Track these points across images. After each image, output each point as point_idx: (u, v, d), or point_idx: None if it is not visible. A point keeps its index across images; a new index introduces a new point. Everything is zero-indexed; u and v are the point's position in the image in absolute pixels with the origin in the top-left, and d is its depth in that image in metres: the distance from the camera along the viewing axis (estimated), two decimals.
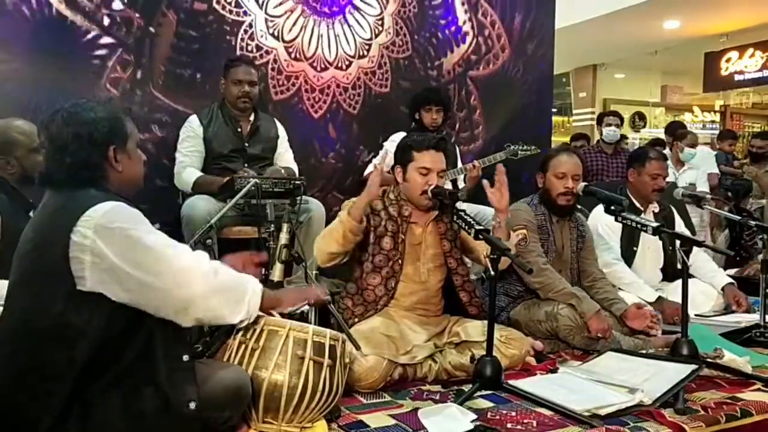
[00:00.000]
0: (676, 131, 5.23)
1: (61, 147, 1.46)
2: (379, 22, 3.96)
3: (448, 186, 3.35)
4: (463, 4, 4.25)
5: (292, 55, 3.68)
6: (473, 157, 3.90)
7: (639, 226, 2.54)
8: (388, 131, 3.71)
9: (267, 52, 3.61)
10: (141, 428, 1.42)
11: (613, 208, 2.60)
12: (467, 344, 2.32)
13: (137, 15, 3.24)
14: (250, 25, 3.55)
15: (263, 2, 3.58)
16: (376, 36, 3.95)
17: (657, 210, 3.26)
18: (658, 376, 2.12)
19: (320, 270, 2.48)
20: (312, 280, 2.13)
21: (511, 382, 2.09)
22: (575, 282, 2.83)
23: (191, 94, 3.39)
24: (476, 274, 3.04)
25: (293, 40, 3.68)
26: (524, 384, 2.11)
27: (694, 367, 2.14)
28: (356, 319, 2.36)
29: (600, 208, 2.93)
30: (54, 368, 1.39)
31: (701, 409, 1.96)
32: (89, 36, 3.14)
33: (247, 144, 3.17)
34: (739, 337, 2.72)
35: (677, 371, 2.12)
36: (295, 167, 3.32)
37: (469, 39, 4.29)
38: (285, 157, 3.31)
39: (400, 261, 2.41)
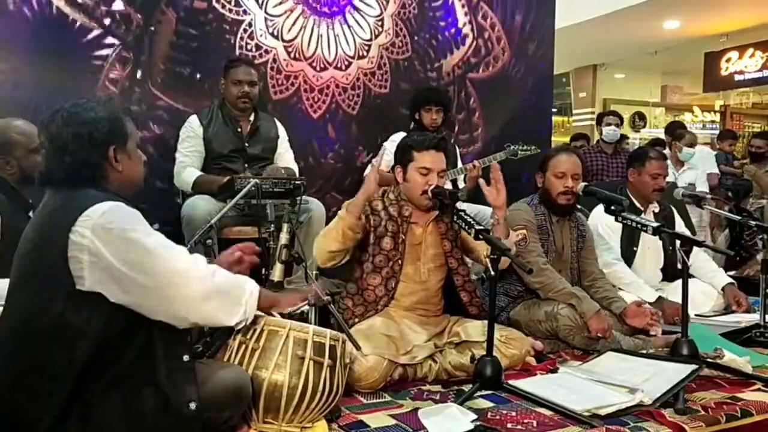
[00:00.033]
0: (675, 131, 5.23)
1: (61, 147, 1.47)
2: (379, 23, 3.96)
3: (448, 186, 3.35)
4: (463, 6, 4.26)
5: (292, 55, 3.68)
6: (473, 158, 3.90)
7: (639, 226, 2.54)
8: (387, 132, 3.70)
9: (266, 52, 3.61)
10: (141, 428, 1.42)
11: (613, 208, 2.61)
12: (467, 344, 2.32)
13: (137, 13, 3.24)
14: (250, 24, 3.55)
15: (263, 1, 3.59)
16: (376, 37, 3.95)
17: (657, 210, 3.26)
18: (658, 376, 2.12)
19: (320, 270, 2.48)
20: (312, 280, 2.12)
21: (511, 382, 2.09)
22: (575, 282, 2.83)
23: (190, 92, 3.39)
24: (476, 274, 3.04)
25: (293, 39, 3.68)
26: (524, 384, 2.11)
27: (694, 367, 2.14)
28: (356, 319, 2.37)
29: (600, 208, 2.93)
30: (54, 368, 1.39)
31: (701, 409, 1.96)
32: (88, 34, 3.14)
33: (247, 144, 3.17)
34: (739, 337, 2.72)
35: (677, 371, 2.12)
36: (295, 167, 3.32)
37: (468, 41, 4.29)
38: (285, 158, 3.31)
39: (400, 261, 2.41)
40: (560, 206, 2.79)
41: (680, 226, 3.35)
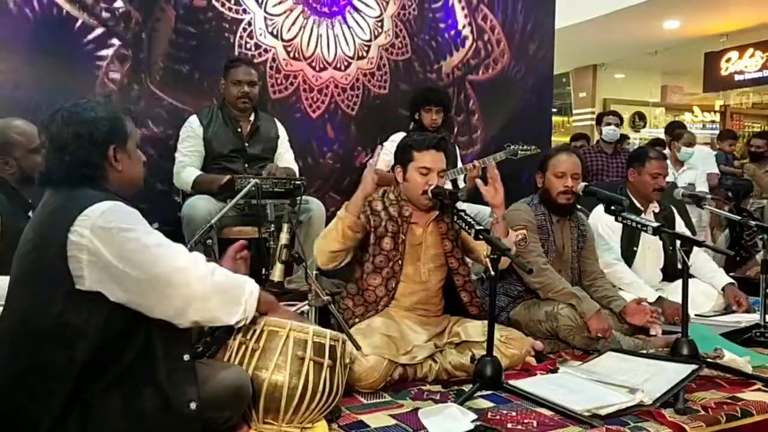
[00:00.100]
0: (674, 131, 5.23)
1: (61, 146, 1.47)
2: (379, 24, 3.96)
3: (448, 186, 3.35)
4: (463, 8, 4.25)
5: (291, 55, 3.68)
6: (472, 159, 3.89)
7: (639, 226, 2.54)
8: (386, 133, 3.70)
9: (265, 51, 3.61)
10: (141, 428, 1.42)
11: (613, 208, 2.60)
12: (467, 344, 2.32)
13: (136, 11, 3.25)
14: (249, 23, 3.55)
15: (262, 1, 3.59)
16: (376, 37, 3.95)
17: (657, 210, 3.26)
18: (659, 376, 2.12)
19: (320, 270, 2.48)
20: (312, 281, 2.12)
21: (511, 382, 2.09)
22: (576, 282, 2.83)
23: (189, 90, 3.39)
24: (476, 274, 3.04)
25: (292, 39, 3.68)
26: (524, 384, 2.11)
27: (694, 367, 2.14)
28: (356, 319, 2.37)
29: (600, 208, 2.93)
30: (54, 368, 1.39)
31: (701, 409, 1.96)
32: (88, 32, 3.14)
33: (247, 144, 3.17)
34: (740, 337, 2.72)
35: (677, 371, 2.12)
36: (295, 167, 3.32)
37: (468, 43, 4.29)
38: (285, 158, 3.30)
39: (400, 261, 2.41)
40: (560, 206, 2.79)
41: (680, 226, 3.35)
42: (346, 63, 3.85)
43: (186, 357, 1.48)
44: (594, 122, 6.81)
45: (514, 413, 1.91)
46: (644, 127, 11.95)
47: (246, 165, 3.10)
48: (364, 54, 3.91)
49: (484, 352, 2.07)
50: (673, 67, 11.46)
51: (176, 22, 3.35)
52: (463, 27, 4.27)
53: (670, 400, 1.97)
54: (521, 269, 2.40)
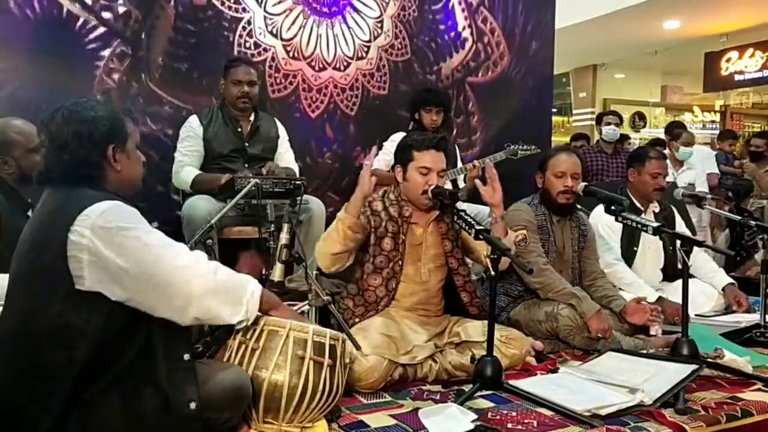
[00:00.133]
0: (673, 131, 5.24)
1: (60, 145, 1.47)
2: (379, 25, 3.95)
3: (448, 186, 3.35)
4: (463, 10, 4.25)
5: (291, 54, 3.68)
6: (472, 160, 3.89)
7: (639, 226, 2.54)
8: (385, 133, 3.70)
9: (265, 50, 3.60)
10: (141, 428, 1.42)
11: (613, 208, 2.60)
12: (467, 344, 2.32)
13: (135, 8, 3.24)
14: (249, 22, 3.55)
15: (262, 0, 3.58)
16: (375, 38, 3.95)
17: (657, 210, 3.26)
18: (659, 376, 2.12)
19: (320, 270, 2.47)
20: (312, 281, 2.12)
21: (511, 382, 2.09)
22: (576, 282, 2.83)
23: (188, 88, 3.39)
24: (476, 274, 3.04)
25: (292, 39, 3.68)
26: (525, 384, 2.11)
27: (694, 367, 2.14)
28: (357, 319, 2.36)
29: (600, 208, 2.93)
30: (54, 368, 1.38)
31: (702, 409, 1.96)
32: (87, 28, 3.14)
33: (247, 144, 3.16)
34: (740, 337, 2.72)
35: (677, 371, 2.12)
36: (296, 167, 3.32)
37: (468, 45, 4.28)
38: (285, 158, 3.30)
39: (400, 262, 2.40)
40: (560, 206, 2.79)
41: (681, 226, 3.34)
42: (345, 63, 3.85)
43: (186, 357, 1.48)
44: (594, 122, 6.81)
45: (514, 413, 1.91)
46: (644, 127, 11.95)
47: (246, 165, 3.09)
48: (364, 54, 3.91)
49: (484, 352, 2.07)
50: (673, 67, 11.46)
51: (176, 20, 3.35)
52: (463, 29, 4.26)
53: (670, 400, 1.97)
54: (521, 269, 2.40)
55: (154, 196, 3.15)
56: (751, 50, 9.15)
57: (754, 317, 2.93)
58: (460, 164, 3.72)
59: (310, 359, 1.65)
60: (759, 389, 2.17)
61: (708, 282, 3.22)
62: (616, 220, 2.63)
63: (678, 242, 2.43)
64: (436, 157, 2.40)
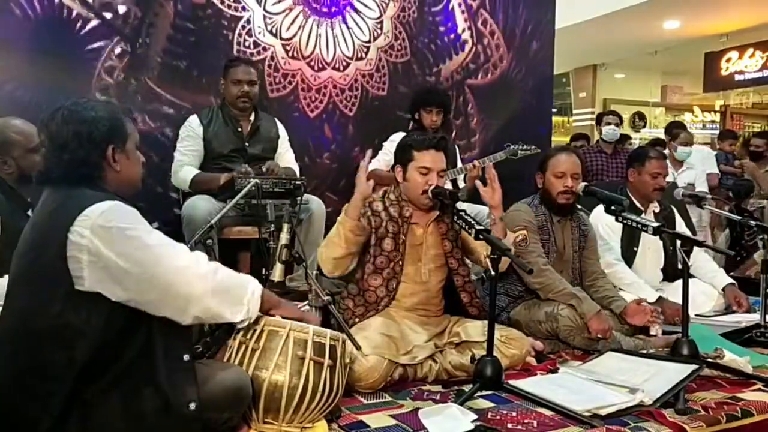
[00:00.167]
0: (672, 131, 5.24)
1: (60, 145, 1.47)
2: (378, 26, 3.95)
3: (448, 186, 3.35)
4: (463, 12, 4.24)
5: (290, 54, 3.68)
6: (471, 161, 3.89)
7: (639, 226, 2.54)
8: (384, 134, 3.70)
9: (264, 49, 3.60)
10: (141, 429, 1.42)
11: (613, 208, 2.60)
12: (467, 344, 2.32)
13: (135, 5, 3.25)
14: (248, 21, 3.55)
15: None
16: (375, 39, 3.94)
17: (657, 210, 3.26)
18: (659, 376, 2.12)
19: (320, 270, 2.48)
20: (312, 281, 2.12)
21: (511, 382, 2.09)
22: (577, 282, 2.83)
23: (187, 86, 3.39)
24: (476, 274, 3.04)
25: (291, 38, 3.68)
26: (525, 384, 2.10)
27: (694, 367, 2.13)
28: (357, 320, 2.36)
29: (600, 208, 2.93)
30: (54, 368, 1.38)
31: (702, 409, 1.95)
32: (86, 25, 3.13)
33: (247, 144, 3.16)
34: (740, 337, 2.72)
35: (678, 371, 2.12)
36: (296, 167, 3.32)
37: (468, 47, 4.28)
38: (286, 157, 3.30)
39: (401, 262, 2.40)
40: (560, 206, 2.79)
41: (681, 226, 3.34)
42: (344, 63, 3.84)
43: (186, 357, 1.48)
44: (594, 122, 6.80)
45: (514, 413, 1.91)
46: (644, 127, 11.95)
47: (246, 165, 3.09)
48: (363, 55, 3.90)
49: (485, 352, 2.07)
50: (673, 67, 11.46)
51: (175, 18, 3.35)
52: (463, 31, 4.26)
53: (670, 400, 1.97)
54: (521, 270, 2.40)
55: (152, 195, 3.15)
56: (751, 50, 9.15)
57: (754, 317, 2.93)
58: (460, 164, 3.72)
59: (311, 359, 1.65)
60: (759, 389, 2.17)
61: (708, 282, 3.22)
62: (616, 220, 2.63)
63: (678, 242, 2.43)
64: (436, 157, 2.40)
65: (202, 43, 3.42)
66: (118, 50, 3.21)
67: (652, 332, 2.63)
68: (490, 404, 1.98)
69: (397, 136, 3.36)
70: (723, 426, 1.89)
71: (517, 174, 3.50)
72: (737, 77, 9.39)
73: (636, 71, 11.54)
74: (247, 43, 3.54)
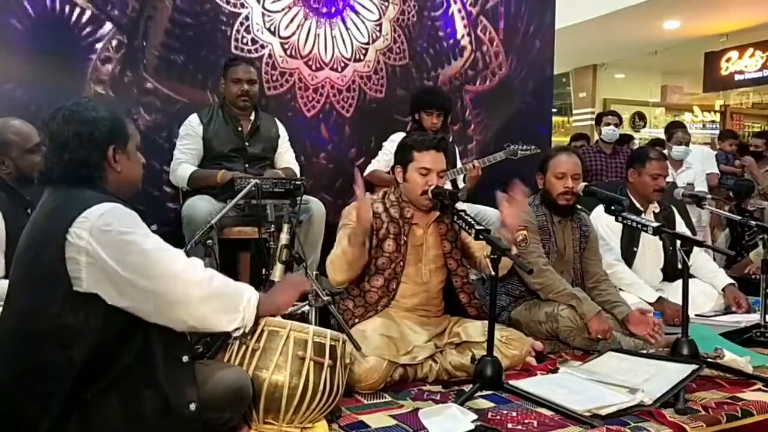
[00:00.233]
0: (669, 130, 5.24)
1: (61, 145, 1.47)
2: (377, 28, 3.94)
3: (448, 186, 3.34)
4: (462, 18, 4.23)
5: (288, 52, 3.67)
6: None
7: (639, 226, 2.54)
8: (381, 136, 3.69)
9: (262, 47, 3.59)
10: (141, 429, 1.42)
11: (613, 208, 2.60)
12: (468, 344, 2.32)
13: None
14: (247, 18, 3.54)
15: None
16: (374, 41, 3.93)
17: (657, 210, 3.26)
18: (659, 376, 2.12)
19: (321, 270, 2.48)
20: (312, 280, 2.12)
21: (511, 382, 2.09)
22: (578, 283, 2.82)
23: (183, 81, 3.38)
24: (476, 274, 3.04)
25: (289, 37, 3.67)
26: (525, 384, 2.11)
27: (694, 367, 2.13)
28: (357, 320, 2.36)
29: (600, 208, 2.93)
30: (53, 369, 1.38)
31: (702, 409, 1.95)
32: (83, 17, 3.12)
33: (247, 143, 3.16)
34: (740, 337, 2.72)
35: (678, 371, 2.12)
36: (296, 167, 3.31)
37: (466, 53, 4.26)
38: (286, 157, 3.30)
39: (402, 263, 2.40)
40: (561, 206, 2.79)
41: (681, 226, 3.34)
42: (342, 64, 3.83)
43: (185, 358, 1.48)
44: (594, 122, 6.80)
45: (514, 413, 1.91)
46: (644, 127, 11.95)
47: (246, 165, 3.10)
48: (362, 57, 3.89)
49: (485, 353, 2.07)
50: (673, 67, 11.45)
51: (173, 12, 3.34)
52: (462, 37, 4.24)
53: (670, 400, 1.97)
54: (522, 270, 2.40)
55: (147, 195, 3.15)
56: (751, 50, 9.15)
57: (754, 317, 2.93)
58: (459, 164, 3.71)
59: (311, 360, 1.65)
60: (759, 389, 2.17)
61: (708, 282, 3.22)
62: (616, 220, 2.63)
63: (678, 242, 2.43)
64: (436, 158, 2.40)
65: (199, 38, 3.41)
66: (114, 42, 3.20)
67: (653, 341, 2.57)
68: (491, 404, 1.99)
69: (397, 137, 3.36)
70: (723, 426, 1.89)
71: (517, 174, 3.49)
72: (737, 77, 9.39)
73: (636, 71, 11.54)
74: (245, 40, 3.53)
